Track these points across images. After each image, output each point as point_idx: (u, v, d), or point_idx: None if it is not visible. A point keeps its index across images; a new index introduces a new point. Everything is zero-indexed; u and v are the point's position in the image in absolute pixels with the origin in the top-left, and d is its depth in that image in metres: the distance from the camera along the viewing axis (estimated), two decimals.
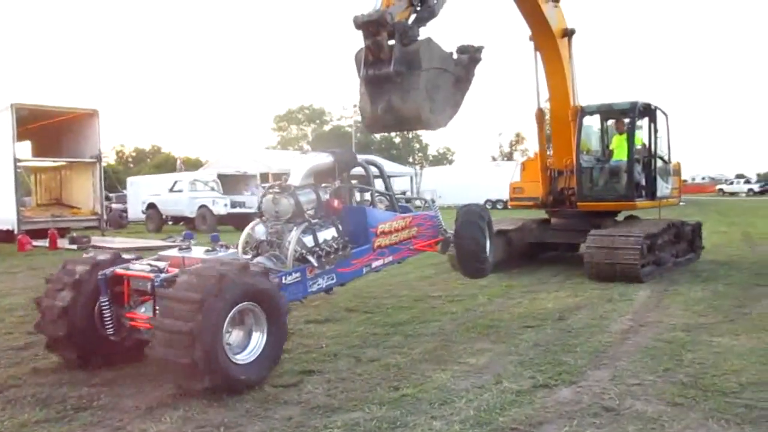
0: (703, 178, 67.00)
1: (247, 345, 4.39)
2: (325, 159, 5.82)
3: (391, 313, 7.08)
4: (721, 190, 62.61)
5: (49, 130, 18.49)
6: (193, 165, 49.91)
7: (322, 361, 5.11)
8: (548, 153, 11.02)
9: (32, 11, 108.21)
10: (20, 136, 16.47)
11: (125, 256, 5.14)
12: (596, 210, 10.33)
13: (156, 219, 24.04)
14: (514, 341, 5.73)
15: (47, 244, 15.28)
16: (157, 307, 4.39)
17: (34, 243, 15.35)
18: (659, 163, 10.71)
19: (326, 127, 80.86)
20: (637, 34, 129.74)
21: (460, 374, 4.75)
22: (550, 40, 9.97)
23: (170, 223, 24.75)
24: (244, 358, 4.32)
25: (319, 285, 5.29)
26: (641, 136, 10.47)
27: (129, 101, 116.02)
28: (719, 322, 6.43)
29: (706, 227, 12.09)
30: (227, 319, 4.11)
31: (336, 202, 5.59)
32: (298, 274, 5.06)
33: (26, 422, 3.86)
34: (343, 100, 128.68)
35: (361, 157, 6.42)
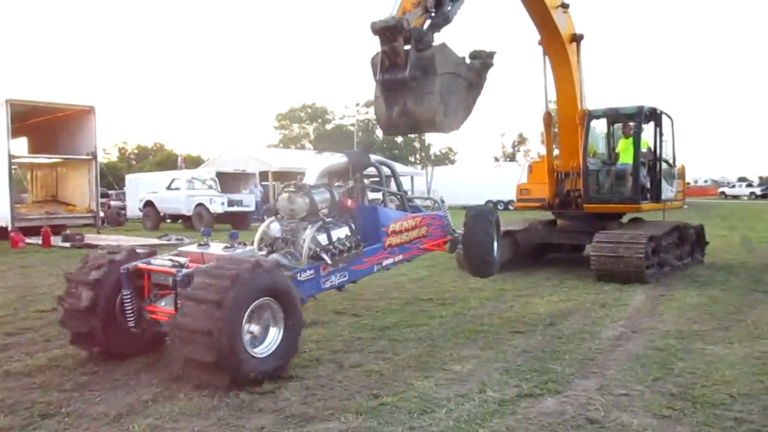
0: (706, 181, 66.68)
1: (264, 339, 4.55)
2: (339, 159, 6.01)
3: (380, 316, 6.94)
4: (723, 193, 62.37)
5: (46, 126, 18.38)
6: (194, 162, 49.88)
7: (304, 367, 4.97)
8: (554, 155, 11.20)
9: (37, 6, 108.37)
10: (16, 132, 16.34)
11: (139, 251, 5.24)
12: (602, 212, 10.48)
13: (153, 217, 23.90)
14: (502, 347, 5.60)
15: (40, 242, 15.17)
16: (178, 304, 4.48)
17: (28, 240, 15.24)
18: (664, 166, 10.84)
19: (328, 126, 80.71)
20: (641, 37, 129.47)
21: (443, 382, 4.61)
22: (559, 46, 10.11)
23: (168, 221, 24.64)
24: (261, 351, 4.47)
25: (332, 282, 5.45)
26: (647, 139, 10.57)
27: (133, 98, 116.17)
28: (713, 329, 6.29)
29: (706, 231, 11.99)
30: (246, 314, 4.26)
31: (349, 202, 5.77)
32: (312, 271, 5.21)
33: None
34: (346, 99, 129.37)
35: (373, 158, 6.56)
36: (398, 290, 8.65)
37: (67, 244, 15.15)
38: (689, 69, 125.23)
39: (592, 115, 10.64)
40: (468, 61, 6.26)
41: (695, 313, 7.04)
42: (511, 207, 29.56)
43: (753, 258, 12.33)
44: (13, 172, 16.23)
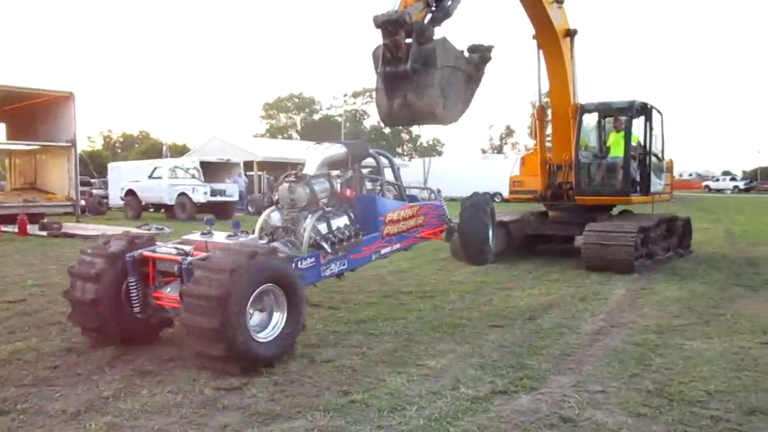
0: (690, 175, 67.23)
1: (267, 324, 4.65)
2: (338, 149, 6.07)
3: (357, 309, 6.81)
4: (707, 186, 62.85)
5: (24, 112, 18.05)
6: (180, 151, 49.32)
7: None
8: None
9: None
10: None
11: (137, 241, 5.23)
12: (593, 204, 10.66)
13: (135, 206, 23.52)
14: (479, 342, 5.49)
15: (16, 230, 14.87)
16: (186, 283, 4.54)
17: (4, 228, 14.93)
18: (653, 160, 11.01)
19: (316, 116, 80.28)
20: (627, 31, 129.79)
21: (416, 378, 4.49)
22: (553, 40, 10.22)
23: (151, 210, 24.27)
24: (267, 335, 4.58)
25: (331, 270, 5.56)
26: (637, 133, 10.68)
27: (118, 86, 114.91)
28: (693, 323, 6.24)
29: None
30: (248, 304, 4.34)
31: (348, 191, 5.89)
32: (312, 260, 5.31)
33: None
34: (334, 89, 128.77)
35: (372, 149, 6.64)
36: (378, 282, 8.53)
37: (44, 233, 14.85)
38: (674, 64, 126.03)
39: (584, 109, 10.76)
40: (467, 54, 6.39)
41: (675, 307, 6.98)
42: (497, 199, 29.47)
43: (735, 251, 12.36)
44: None
